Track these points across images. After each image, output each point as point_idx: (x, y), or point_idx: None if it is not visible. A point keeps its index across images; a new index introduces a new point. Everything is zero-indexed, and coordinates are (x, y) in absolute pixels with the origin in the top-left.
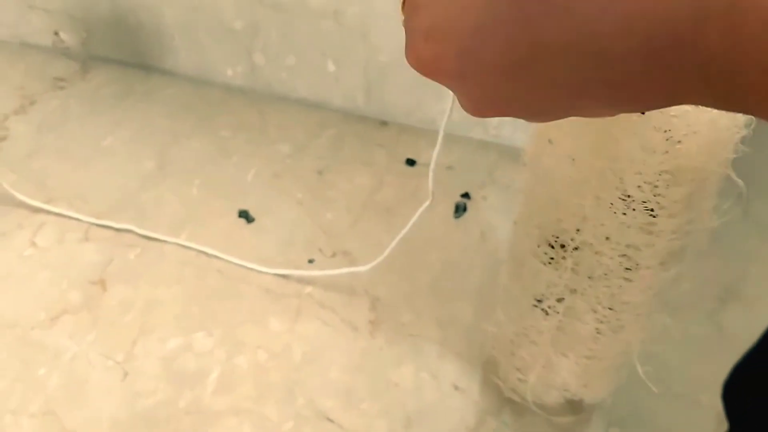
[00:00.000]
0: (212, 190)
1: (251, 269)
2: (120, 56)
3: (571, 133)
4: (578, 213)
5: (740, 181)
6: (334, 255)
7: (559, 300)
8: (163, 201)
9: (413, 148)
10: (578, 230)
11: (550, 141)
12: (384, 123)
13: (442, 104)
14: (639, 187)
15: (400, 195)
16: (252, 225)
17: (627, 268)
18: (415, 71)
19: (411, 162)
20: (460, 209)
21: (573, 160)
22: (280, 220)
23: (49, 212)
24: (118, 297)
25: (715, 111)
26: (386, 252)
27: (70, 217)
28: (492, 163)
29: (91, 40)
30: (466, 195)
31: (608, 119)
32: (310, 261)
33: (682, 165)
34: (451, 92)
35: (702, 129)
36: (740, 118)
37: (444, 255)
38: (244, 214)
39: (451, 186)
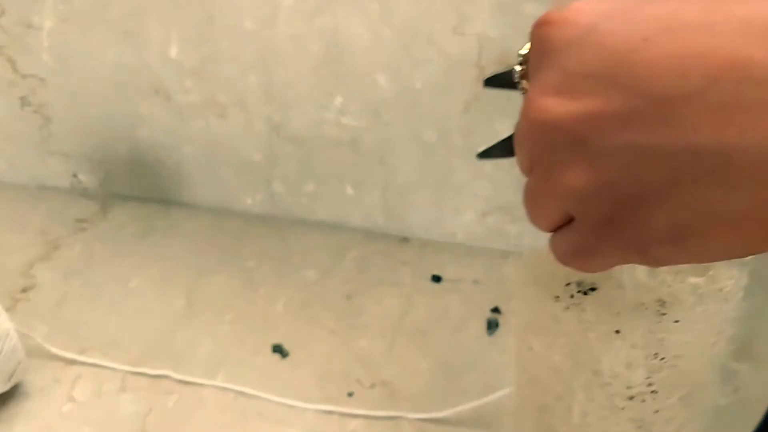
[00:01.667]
0: (243, 324)
1: (292, 406)
2: (139, 193)
3: (553, 344)
4: (569, 420)
5: (742, 367)
6: (373, 386)
7: None
8: (196, 341)
9: (437, 263)
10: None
11: (530, 348)
12: (405, 239)
13: (461, 217)
14: (631, 398)
15: (431, 315)
16: (287, 359)
17: None
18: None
19: (437, 278)
20: (492, 325)
21: (556, 369)
22: (315, 352)
23: (84, 363)
24: None
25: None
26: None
27: (105, 367)
28: None
29: (109, 179)
30: (496, 309)
31: (586, 335)
32: (350, 394)
33: (671, 376)
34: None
35: (692, 347)
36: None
37: (482, 377)
38: (278, 349)
39: (479, 301)
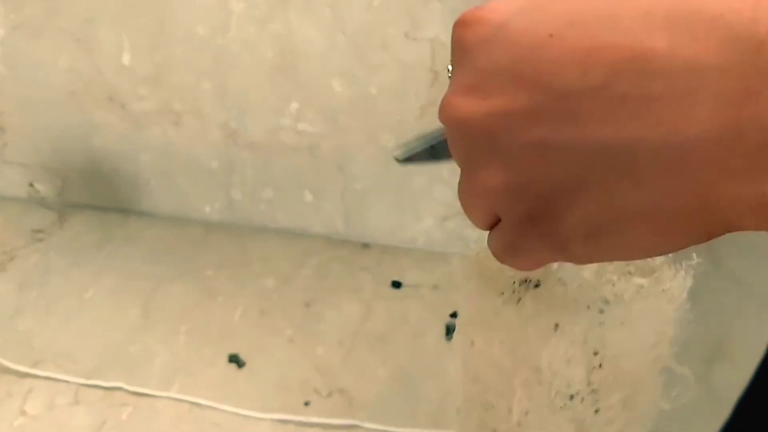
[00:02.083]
0: (200, 335)
1: (247, 416)
2: (97, 202)
3: (494, 338)
4: (510, 419)
5: (686, 371)
6: (330, 394)
7: None
8: (151, 352)
9: (397, 268)
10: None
11: (472, 342)
12: (366, 245)
13: (421, 223)
14: (571, 397)
15: (391, 321)
16: (244, 369)
17: None
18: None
19: (397, 284)
20: (451, 330)
21: (497, 366)
22: (272, 361)
23: (36, 376)
24: None
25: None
26: None
27: (58, 380)
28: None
29: (66, 188)
30: (455, 315)
31: (526, 330)
32: (306, 404)
33: (611, 376)
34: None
35: (633, 346)
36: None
37: (440, 384)
38: (235, 359)
39: (439, 306)
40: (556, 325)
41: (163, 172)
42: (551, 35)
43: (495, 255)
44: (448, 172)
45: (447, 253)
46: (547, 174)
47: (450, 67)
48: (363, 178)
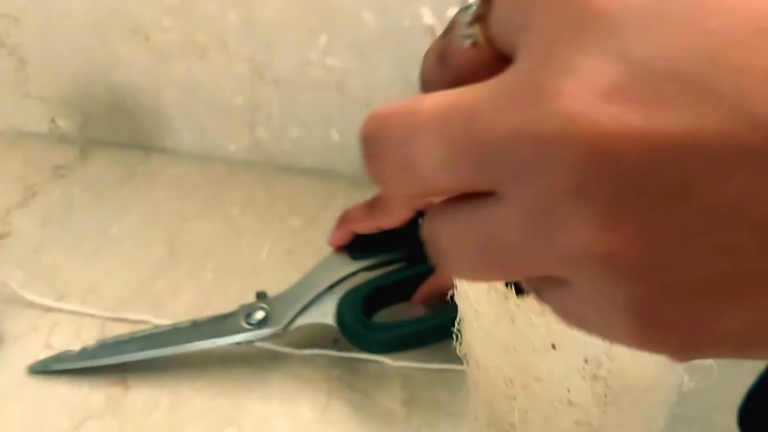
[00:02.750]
0: (226, 272)
1: (277, 351)
2: (119, 139)
3: (493, 348)
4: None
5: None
6: None
7: None
8: (178, 288)
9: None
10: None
11: (478, 363)
12: None
13: None
14: (570, 403)
15: None
16: None
17: None
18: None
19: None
20: None
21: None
22: None
23: (61, 310)
24: (141, 397)
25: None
26: None
27: (83, 314)
28: None
29: (88, 124)
30: None
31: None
32: (335, 341)
33: (614, 388)
34: None
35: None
36: None
37: None
38: (262, 296)
39: None
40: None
41: (186, 109)
42: (763, 29)
43: (564, 317)
44: None
45: None
46: (727, 259)
47: (469, 13)
48: None
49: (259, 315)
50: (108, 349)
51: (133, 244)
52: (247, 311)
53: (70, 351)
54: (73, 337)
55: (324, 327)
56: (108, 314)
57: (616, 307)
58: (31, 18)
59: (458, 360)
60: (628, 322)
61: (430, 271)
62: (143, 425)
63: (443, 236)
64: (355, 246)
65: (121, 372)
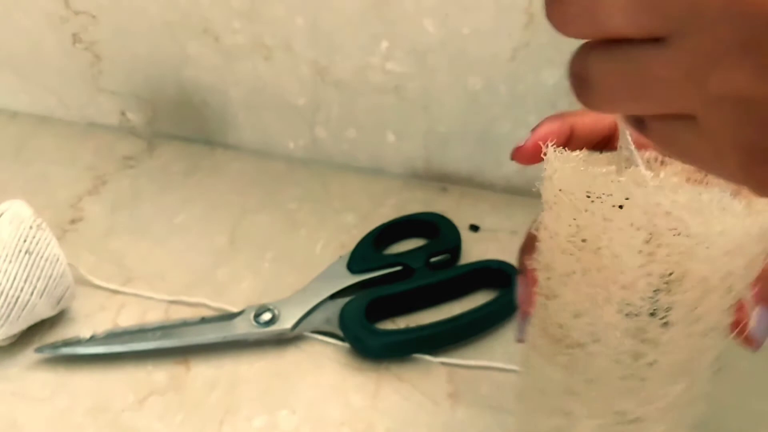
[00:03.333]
0: (284, 263)
1: (328, 343)
2: (185, 133)
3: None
4: (569, 308)
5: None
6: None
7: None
8: (238, 276)
9: (475, 212)
10: (566, 326)
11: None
12: (444, 189)
13: (501, 168)
14: (623, 287)
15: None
16: None
17: (621, 377)
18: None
19: (475, 228)
20: None
21: (562, 251)
22: None
23: (127, 293)
24: (202, 376)
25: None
26: None
27: (149, 297)
28: None
29: (157, 119)
30: None
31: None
32: None
33: (677, 271)
34: None
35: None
36: None
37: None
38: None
39: (516, 251)
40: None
41: (250, 107)
42: None
43: (667, 147)
44: (534, 116)
45: (526, 200)
46: None
47: None
48: (447, 120)
49: (267, 316)
50: (115, 338)
51: (197, 233)
52: (255, 312)
53: (79, 337)
54: (138, 317)
55: None
56: (171, 297)
57: (735, 144)
58: (107, 16)
59: (499, 359)
60: (742, 157)
61: (427, 286)
62: (203, 403)
63: (596, 69)
64: (354, 262)
65: (183, 354)
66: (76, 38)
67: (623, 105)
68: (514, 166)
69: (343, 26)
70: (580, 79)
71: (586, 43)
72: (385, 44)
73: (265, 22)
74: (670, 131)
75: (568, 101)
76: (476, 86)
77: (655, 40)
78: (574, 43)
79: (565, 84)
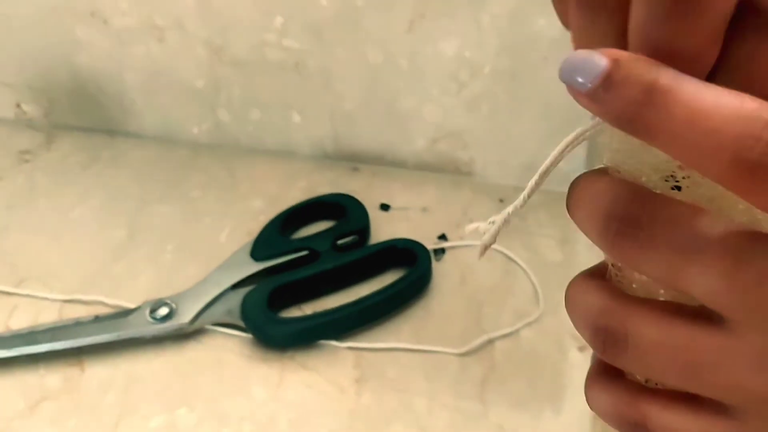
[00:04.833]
0: (186, 254)
1: (230, 335)
2: (84, 123)
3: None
4: None
5: None
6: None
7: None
8: (137, 270)
9: (386, 191)
10: None
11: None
12: (355, 169)
13: (411, 146)
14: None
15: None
16: None
17: None
18: None
19: (385, 207)
20: (438, 252)
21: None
22: None
23: (20, 294)
24: (97, 378)
25: None
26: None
27: (42, 298)
28: (467, 201)
29: (53, 109)
30: (443, 237)
31: None
32: None
33: None
34: None
35: None
36: None
37: (425, 302)
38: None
39: (427, 229)
40: None
41: (148, 92)
42: None
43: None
44: (437, 91)
45: (436, 176)
46: None
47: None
48: (351, 97)
49: (163, 311)
50: (3, 342)
51: (94, 227)
52: (151, 307)
53: None
54: (32, 319)
55: None
56: (64, 297)
57: None
58: None
59: (407, 340)
60: None
61: (333, 269)
62: (98, 405)
63: (647, 337)
64: (258, 249)
65: (78, 355)
66: None
67: (672, 379)
68: (423, 143)
69: (234, 2)
70: (613, 336)
71: (619, 299)
72: (279, 20)
73: (154, 1)
74: (711, 418)
75: (469, 72)
76: (377, 60)
77: (717, 322)
78: (469, 14)
79: (465, 55)
